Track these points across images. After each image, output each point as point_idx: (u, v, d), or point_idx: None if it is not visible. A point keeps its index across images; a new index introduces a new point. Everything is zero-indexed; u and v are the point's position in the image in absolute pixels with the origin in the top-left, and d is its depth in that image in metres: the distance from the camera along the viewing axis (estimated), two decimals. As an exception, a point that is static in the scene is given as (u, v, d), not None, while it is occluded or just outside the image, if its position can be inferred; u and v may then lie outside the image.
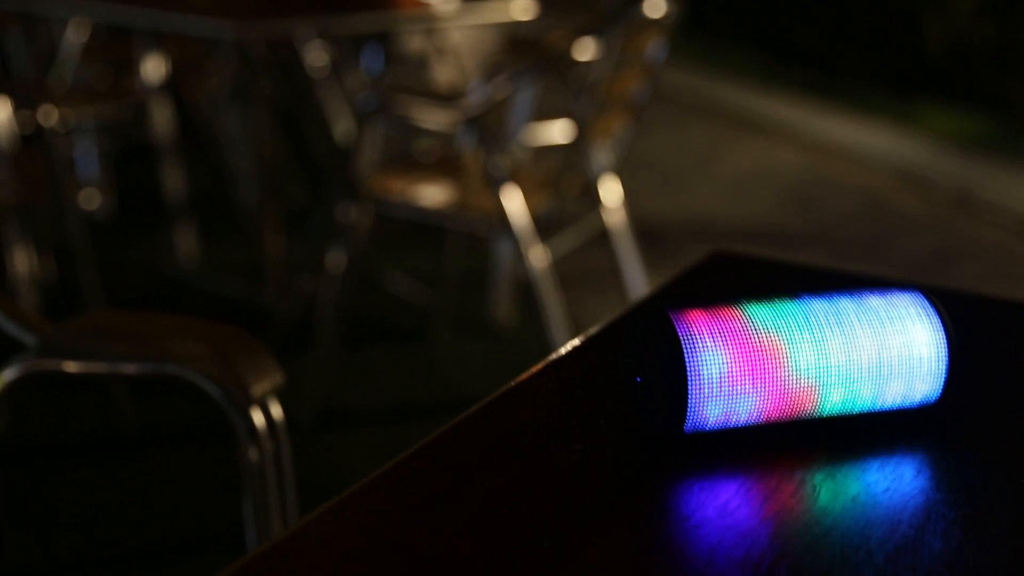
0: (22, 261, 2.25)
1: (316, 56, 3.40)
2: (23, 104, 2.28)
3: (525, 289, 2.69)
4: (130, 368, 1.09)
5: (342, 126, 3.47)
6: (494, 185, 2.35)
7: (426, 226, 2.97)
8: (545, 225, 2.52)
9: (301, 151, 3.27)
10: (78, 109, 2.92)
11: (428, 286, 3.04)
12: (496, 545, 0.58)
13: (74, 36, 3.07)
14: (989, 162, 4.60)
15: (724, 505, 0.62)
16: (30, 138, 2.35)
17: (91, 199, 3.29)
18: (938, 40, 5.64)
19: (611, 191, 2.67)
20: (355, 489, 0.62)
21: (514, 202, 2.34)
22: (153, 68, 3.04)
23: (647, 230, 3.28)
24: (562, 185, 2.62)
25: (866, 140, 4.98)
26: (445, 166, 2.71)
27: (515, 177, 2.45)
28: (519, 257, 2.44)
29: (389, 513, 0.61)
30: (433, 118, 2.44)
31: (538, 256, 2.42)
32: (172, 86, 3.15)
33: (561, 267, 2.73)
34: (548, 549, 0.57)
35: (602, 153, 2.70)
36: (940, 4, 5.61)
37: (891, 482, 0.66)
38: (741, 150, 5.03)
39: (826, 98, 5.71)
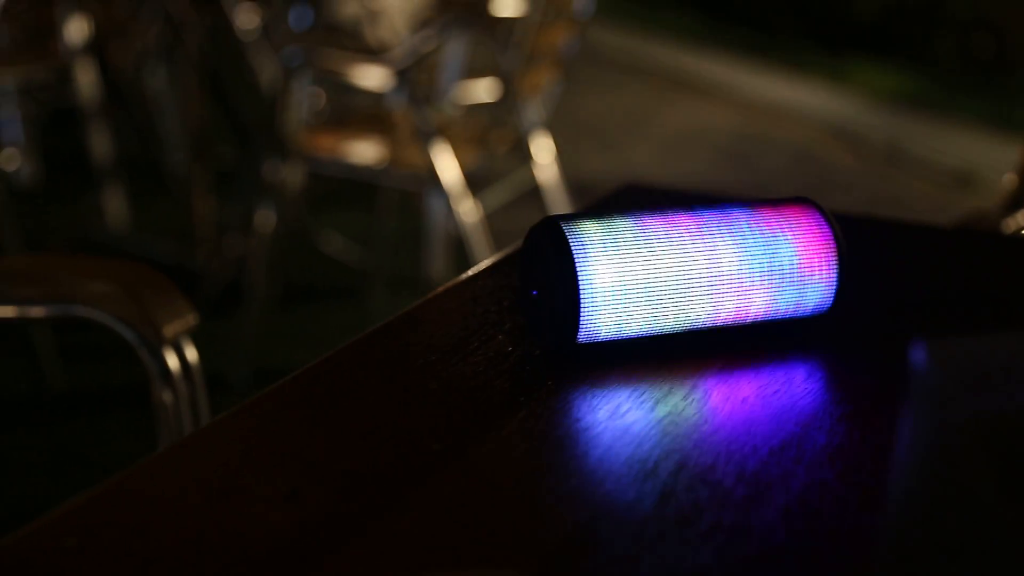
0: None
1: (246, 18, 3.35)
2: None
3: (458, 246, 2.69)
4: (38, 311, 1.08)
5: (268, 81, 3.43)
6: (424, 140, 2.34)
7: (358, 185, 2.96)
8: (475, 180, 2.52)
9: (229, 111, 3.23)
10: (-1, 71, 2.86)
11: (361, 245, 3.03)
12: (386, 448, 0.58)
13: (-7, -2, 3.00)
14: (918, 118, 4.66)
15: (615, 409, 0.63)
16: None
17: (11, 160, 3.23)
18: (869, -2, 5.69)
19: (542, 147, 2.67)
20: (251, 400, 0.62)
21: (444, 157, 2.33)
22: (76, 30, 2.98)
23: (582, 188, 3.29)
24: (491, 140, 2.62)
25: (799, 97, 5.02)
26: (375, 122, 2.70)
27: (444, 132, 2.45)
28: (450, 213, 2.44)
29: (282, 421, 0.61)
30: (360, 72, 2.42)
31: (469, 211, 2.42)
32: (96, 48, 3.09)
33: (494, 224, 2.74)
34: (438, 451, 0.58)
35: (532, 109, 2.70)
36: (871, -37, 5.66)
37: (781, 385, 0.67)
38: (676, 109, 5.05)
39: (759, 57, 5.74)
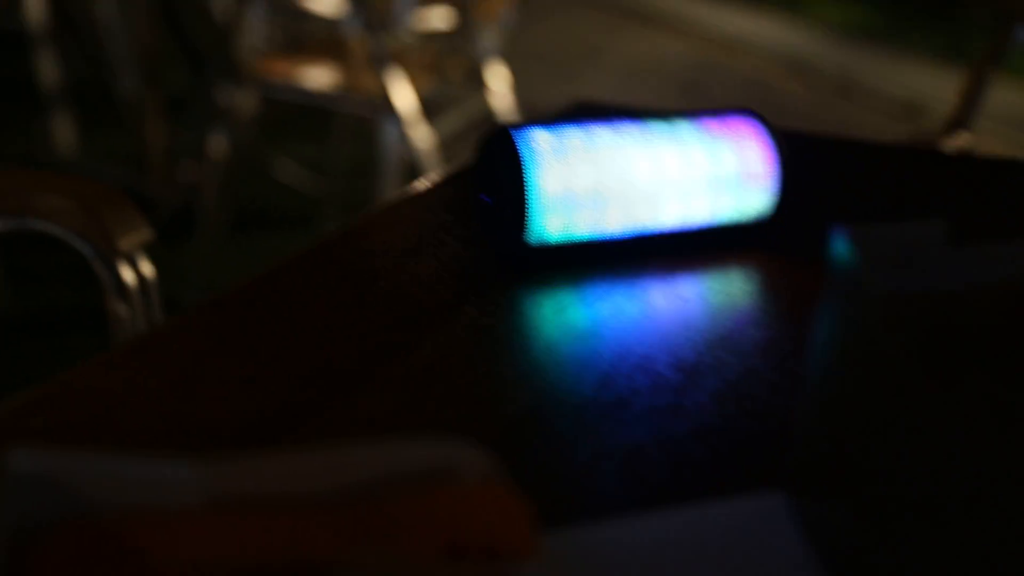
0: None
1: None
2: None
3: (412, 173, 2.70)
4: (-7, 224, 1.09)
5: (222, 8, 3.40)
6: (378, 66, 2.34)
7: (312, 112, 2.95)
8: (430, 107, 2.53)
9: (181, 36, 3.20)
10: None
11: (315, 172, 3.03)
12: (341, 341, 0.61)
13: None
14: (870, 50, 4.71)
15: (561, 305, 0.66)
16: None
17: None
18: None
19: (496, 75, 2.68)
20: (209, 300, 0.65)
21: (398, 84, 2.34)
22: (22, -50, 2.93)
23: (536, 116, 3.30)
24: (446, 67, 2.63)
25: (754, 29, 5.04)
26: (329, 49, 2.69)
27: (399, 59, 2.45)
28: (404, 139, 2.45)
29: (240, 319, 0.64)
30: (313, -3, 2.41)
31: (423, 137, 2.43)
32: (44, -30, 3.04)
33: (448, 151, 2.74)
34: (390, 344, 0.60)
35: (487, 37, 2.70)
36: None
37: (721, 286, 0.70)
38: (631, 40, 5.06)
39: (716, -11, 5.74)
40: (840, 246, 0.44)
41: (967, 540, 0.36)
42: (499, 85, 2.68)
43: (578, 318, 0.64)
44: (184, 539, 0.39)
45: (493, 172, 0.71)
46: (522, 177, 0.68)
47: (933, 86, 4.11)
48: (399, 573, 0.39)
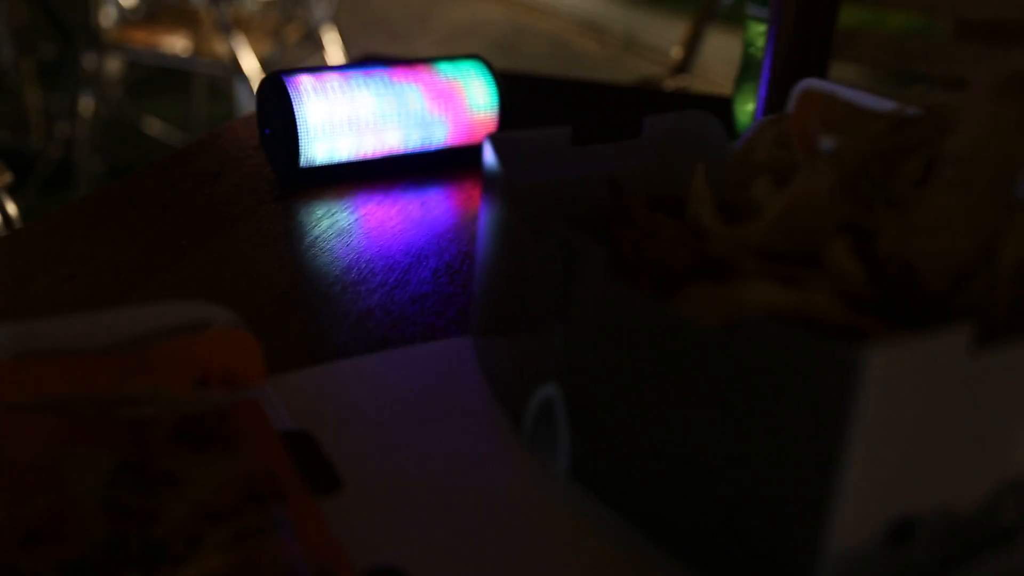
0: None
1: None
2: None
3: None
4: None
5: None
6: (223, 32, 2.32)
7: (174, 74, 2.89)
8: (273, 67, 2.52)
9: (49, 10, 3.08)
10: None
11: (180, 127, 2.98)
12: (146, 245, 0.66)
13: None
14: (650, 13, 4.83)
15: (327, 211, 0.72)
16: None
17: None
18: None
19: (330, 38, 2.68)
20: (43, 218, 0.68)
21: (241, 48, 2.32)
22: None
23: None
24: (283, 33, 2.61)
25: (557, -4, 5.11)
26: (182, 17, 2.64)
27: (242, 25, 2.43)
28: (253, 96, 2.44)
29: (67, 230, 0.68)
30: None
31: (268, 93, 2.42)
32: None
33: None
34: (184, 245, 0.66)
35: (321, 5, 2.70)
36: None
37: (454, 193, 0.77)
38: (458, 7, 5.06)
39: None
40: (488, 150, 0.51)
41: (558, 338, 0.45)
42: (332, 47, 2.69)
43: (340, 220, 0.71)
44: (-3, 385, 0.44)
45: (271, 109, 0.76)
46: (291, 113, 0.74)
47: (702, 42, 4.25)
48: (162, 399, 0.45)
